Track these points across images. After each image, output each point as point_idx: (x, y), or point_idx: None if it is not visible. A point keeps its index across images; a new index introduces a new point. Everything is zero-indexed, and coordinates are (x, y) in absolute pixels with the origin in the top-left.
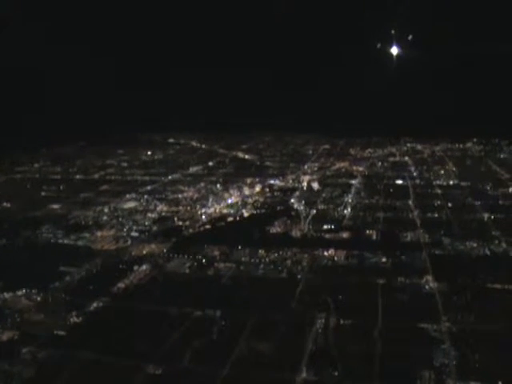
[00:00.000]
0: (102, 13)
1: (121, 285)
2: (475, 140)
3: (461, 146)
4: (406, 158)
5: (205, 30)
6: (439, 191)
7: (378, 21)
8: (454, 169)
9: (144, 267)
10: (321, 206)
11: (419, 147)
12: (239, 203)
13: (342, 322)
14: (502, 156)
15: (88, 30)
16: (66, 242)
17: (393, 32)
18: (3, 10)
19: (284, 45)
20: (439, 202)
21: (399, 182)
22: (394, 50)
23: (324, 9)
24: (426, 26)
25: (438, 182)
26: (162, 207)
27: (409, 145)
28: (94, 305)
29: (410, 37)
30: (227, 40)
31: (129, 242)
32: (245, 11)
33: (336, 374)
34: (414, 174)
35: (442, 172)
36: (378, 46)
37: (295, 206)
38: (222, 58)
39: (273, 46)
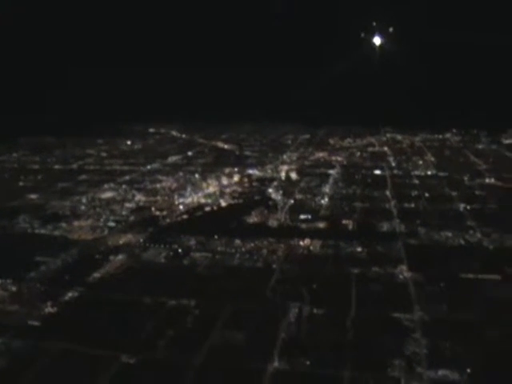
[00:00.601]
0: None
1: (96, 275)
2: (454, 131)
3: (440, 136)
4: (385, 148)
5: (188, 27)
6: (417, 181)
7: (359, 11)
8: (433, 159)
9: (120, 257)
10: (298, 196)
11: (399, 137)
12: (217, 193)
13: (315, 311)
14: (480, 147)
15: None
16: (42, 231)
17: (374, 24)
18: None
19: (266, 36)
20: (416, 193)
21: (377, 172)
22: (377, 41)
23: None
24: (407, 17)
25: (416, 173)
26: (139, 197)
27: (388, 135)
28: (69, 295)
29: (390, 29)
30: (210, 35)
31: (105, 232)
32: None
33: (307, 362)
34: (393, 164)
35: (421, 162)
36: (362, 35)
37: (273, 195)
38: (205, 52)
39: (255, 39)
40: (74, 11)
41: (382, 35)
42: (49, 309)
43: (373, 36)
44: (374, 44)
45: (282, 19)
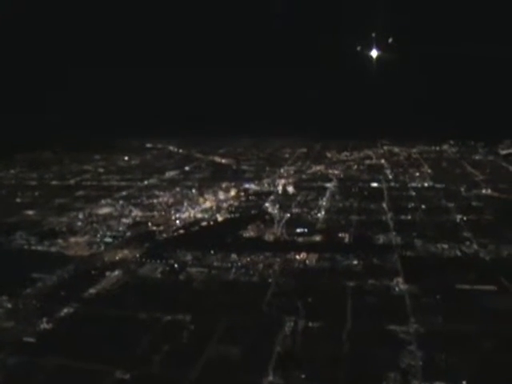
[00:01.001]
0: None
1: (92, 290)
2: (451, 142)
3: (437, 148)
4: (382, 161)
5: (186, 31)
6: (413, 193)
7: (357, 23)
8: (430, 171)
9: (116, 273)
10: (295, 210)
11: (396, 150)
12: (214, 208)
13: (310, 324)
14: (477, 158)
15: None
16: (39, 248)
17: (373, 35)
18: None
19: (260, 49)
20: (413, 204)
21: (374, 184)
22: (374, 53)
23: (301, 11)
24: (406, 28)
25: (412, 185)
26: (136, 212)
27: (386, 147)
28: (65, 311)
29: (390, 39)
30: (205, 43)
31: (102, 248)
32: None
33: (302, 376)
34: (390, 176)
35: (417, 174)
36: (358, 48)
37: (269, 209)
38: (200, 63)
39: (249, 51)
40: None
41: (379, 47)
42: (44, 325)
43: (370, 48)
44: (371, 57)
45: (282, 21)
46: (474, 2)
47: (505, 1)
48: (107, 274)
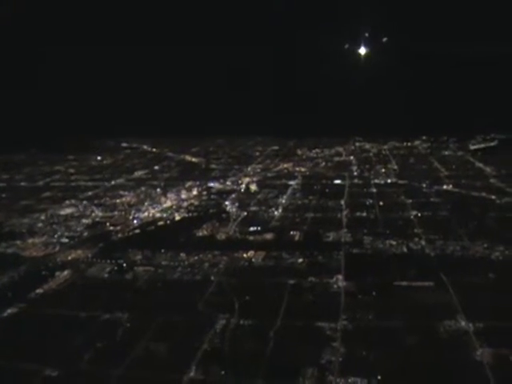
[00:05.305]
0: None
1: (39, 291)
2: (424, 138)
3: (409, 144)
4: (351, 158)
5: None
6: (374, 190)
7: (347, 21)
8: (396, 167)
9: (65, 273)
10: (253, 208)
11: (367, 146)
12: (174, 207)
13: (241, 322)
14: (446, 153)
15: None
16: None
17: (367, 34)
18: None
19: (238, 46)
20: (371, 201)
21: (337, 181)
22: (362, 51)
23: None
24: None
25: (376, 181)
26: (97, 213)
27: (357, 144)
28: (8, 311)
29: (385, 39)
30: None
31: (57, 249)
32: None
33: (222, 372)
34: (355, 173)
35: (383, 171)
36: (346, 46)
37: (228, 208)
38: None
39: (227, 49)
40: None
41: (370, 45)
42: None
43: (359, 46)
44: (359, 54)
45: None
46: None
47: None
48: (57, 274)
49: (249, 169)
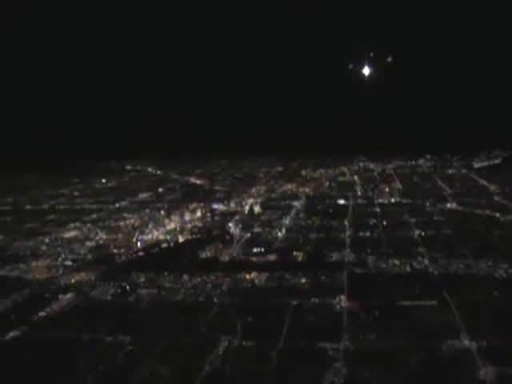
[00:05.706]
0: None
1: (42, 313)
2: (428, 156)
3: (413, 162)
4: (355, 177)
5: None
6: (378, 209)
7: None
8: (400, 186)
9: (68, 295)
10: (256, 230)
11: (371, 166)
12: (177, 229)
13: (244, 343)
14: (450, 171)
15: None
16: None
17: (371, 55)
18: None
19: (242, 68)
20: (375, 221)
21: (341, 201)
22: (366, 71)
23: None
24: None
25: (379, 201)
26: (101, 235)
27: (362, 164)
28: (11, 334)
29: (389, 58)
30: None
31: (60, 271)
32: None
33: None
34: (359, 193)
35: (387, 190)
36: (350, 66)
37: (231, 229)
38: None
39: (232, 69)
40: None
41: (374, 65)
42: None
43: (362, 67)
44: (363, 75)
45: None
46: (459, 21)
47: (481, 19)
48: (60, 296)
49: (253, 190)
